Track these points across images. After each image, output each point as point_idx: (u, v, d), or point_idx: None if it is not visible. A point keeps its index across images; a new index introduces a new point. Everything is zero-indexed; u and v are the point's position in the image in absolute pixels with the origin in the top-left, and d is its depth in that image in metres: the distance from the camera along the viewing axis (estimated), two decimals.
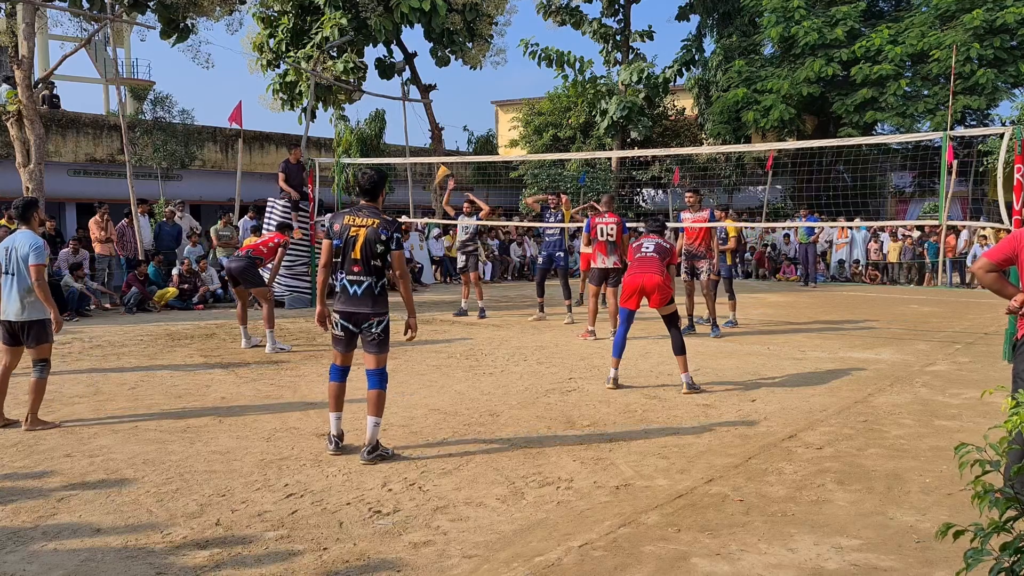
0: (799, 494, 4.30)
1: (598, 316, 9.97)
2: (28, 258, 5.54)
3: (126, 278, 13.06)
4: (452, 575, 3.34)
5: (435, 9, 19.25)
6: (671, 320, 6.88)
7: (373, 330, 4.85)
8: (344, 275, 4.88)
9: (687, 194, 10.38)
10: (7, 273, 5.65)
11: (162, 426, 5.66)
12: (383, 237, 4.80)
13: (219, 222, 15.08)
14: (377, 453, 4.83)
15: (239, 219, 15.77)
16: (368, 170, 5.04)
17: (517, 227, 20.07)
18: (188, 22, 16.77)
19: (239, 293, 9.23)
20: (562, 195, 11.76)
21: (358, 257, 4.82)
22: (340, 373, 5.02)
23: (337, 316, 4.90)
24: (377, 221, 4.84)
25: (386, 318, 4.90)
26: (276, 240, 9.41)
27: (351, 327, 4.88)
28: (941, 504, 4.15)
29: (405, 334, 5.00)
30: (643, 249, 7.04)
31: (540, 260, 11.89)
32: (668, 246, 7.14)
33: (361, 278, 4.84)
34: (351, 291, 4.85)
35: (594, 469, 4.72)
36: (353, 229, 4.84)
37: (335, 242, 4.89)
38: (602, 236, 9.56)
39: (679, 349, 6.77)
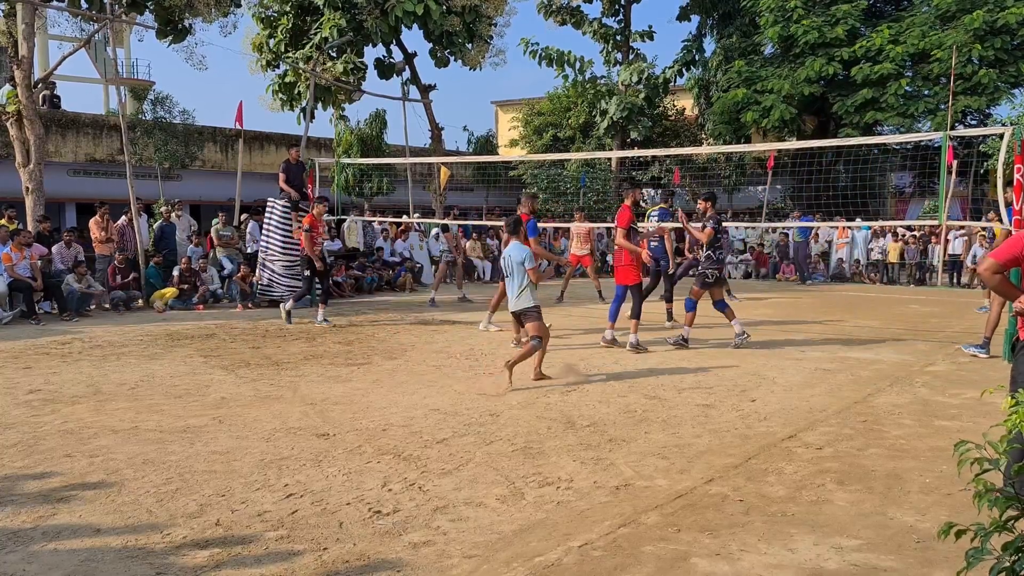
0: (799, 494, 4.30)
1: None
2: (524, 262, 7.25)
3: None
4: (452, 575, 3.34)
5: (428, 12, 19.18)
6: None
7: None
8: None
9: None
10: (507, 276, 7.49)
11: (162, 426, 5.66)
12: None
13: (218, 221, 15.06)
14: None
15: (242, 221, 15.74)
16: None
17: None
18: (186, 23, 16.74)
19: None
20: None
21: None
22: None
23: None
24: None
25: None
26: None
27: None
28: (941, 504, 4.15)
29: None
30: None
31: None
32: None
33: None
34: None
35: (594, 469, 4.72)
36: None
37: None
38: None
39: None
